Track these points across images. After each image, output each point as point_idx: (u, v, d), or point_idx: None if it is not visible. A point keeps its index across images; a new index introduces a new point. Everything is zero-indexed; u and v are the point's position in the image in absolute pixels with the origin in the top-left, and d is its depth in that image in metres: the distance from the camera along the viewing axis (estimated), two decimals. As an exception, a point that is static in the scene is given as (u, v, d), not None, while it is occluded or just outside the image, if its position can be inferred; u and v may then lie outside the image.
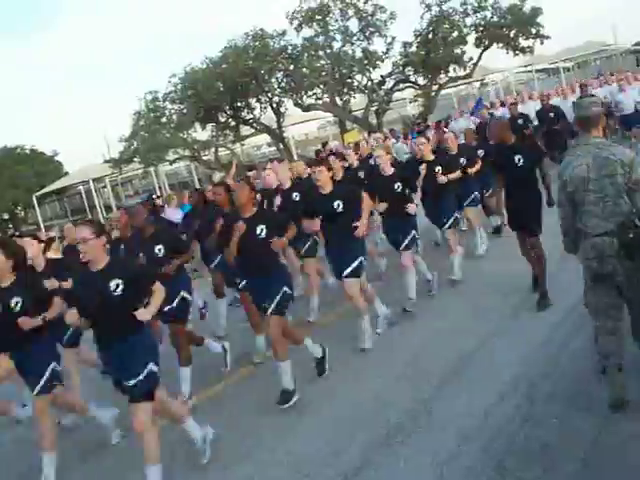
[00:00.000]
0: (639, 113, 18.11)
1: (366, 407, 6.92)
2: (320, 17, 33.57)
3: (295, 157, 34.43)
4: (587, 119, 5.57)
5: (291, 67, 33.85)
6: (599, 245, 5.40)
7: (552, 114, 18.43)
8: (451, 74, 35.31)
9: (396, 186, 9.71)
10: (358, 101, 38.75)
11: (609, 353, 5.61)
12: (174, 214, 16.68)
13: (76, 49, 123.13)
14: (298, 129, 51.47)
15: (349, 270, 8.41)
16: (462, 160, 11.70)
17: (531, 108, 19.96)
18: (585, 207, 5.45)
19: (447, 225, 10.68)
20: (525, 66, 49.64)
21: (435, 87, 36.05)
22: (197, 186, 36.42)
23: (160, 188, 40.57)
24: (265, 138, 45.73)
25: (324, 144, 25.47)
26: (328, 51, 33.96)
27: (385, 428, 6.38)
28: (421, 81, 36.08)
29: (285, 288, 7.54)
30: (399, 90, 37.73)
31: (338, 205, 8.42)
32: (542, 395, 6.17)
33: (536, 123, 18.77)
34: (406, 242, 9.78)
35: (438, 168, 10.65)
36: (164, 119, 33.29)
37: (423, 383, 7.12)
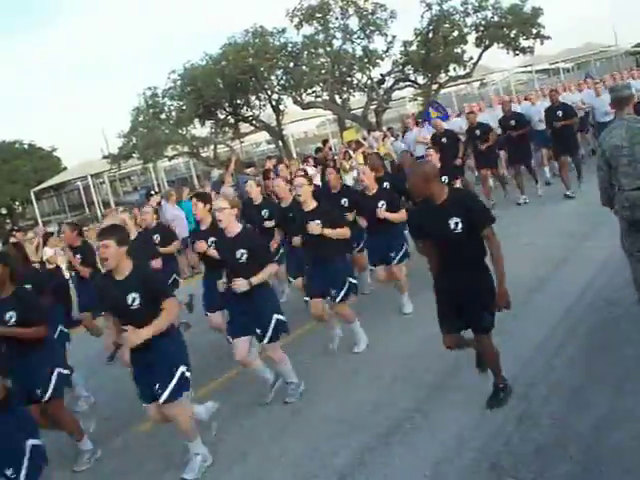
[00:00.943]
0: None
1: (363, 407, 6.92)
2: (320, 15, 33.54)
3: (294, 155, 34.46)
4: (622, 99, 6.93)
5: (291, 65, 33.88)
6: (632, 197, 6.59)
7: (513, 121, 16.38)
8: (451, 73, 35.31)
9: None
10: (357, 99, 38.78)
11: None
12: (173, 210, 16.70)
13: (76, 47, 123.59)
14: (297, 127, 51.56)
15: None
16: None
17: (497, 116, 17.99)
18: (620, 169, 6.63)
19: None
20: (525, 66, 49.68)
21: (435, 86, 36.03)
22: (196, 182, 36.49)
23: (159, 185, 40.60)
24: (264, 136, 45.76)
25: (324, 142, 25.42)
26: (328, 49, 33.92)
27: (382, 428, 6.38)
28: (421, 80, 36.07)
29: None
30: (399, 89, 37.73)
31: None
32: (538, 397, 6.18)
33: (499, 132, 16.96)
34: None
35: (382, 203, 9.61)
36: (163, 115, 33.29)
37: (419, 384, 7.12)
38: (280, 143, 36.65)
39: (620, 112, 6.91)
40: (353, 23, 34.13)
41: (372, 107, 35.71)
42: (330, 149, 24.97)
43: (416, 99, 40.77)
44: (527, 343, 7.31)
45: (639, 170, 6.55)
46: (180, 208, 16.88)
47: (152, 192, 18.44)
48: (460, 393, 6.64)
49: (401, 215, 9.37)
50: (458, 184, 11.94)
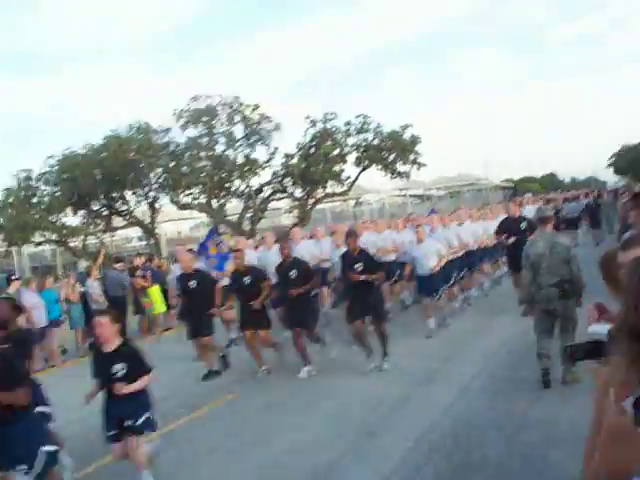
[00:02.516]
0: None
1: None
2: (207, 119, 33.95)
3: (164, 254, 34.14)
4: (544, 218, 9.10)
5: (172, 164, 33.86)
6: (548, 293, 8.65)
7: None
8: (328, 190, 36.08)
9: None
10: (234, 205, 38.99)
11: (542, 351, 8.72)
12: (31, 298, 16.08)
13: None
14: (171, 226, 51.30)
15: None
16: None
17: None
18: (541, 270, 8.69)
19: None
20: (400, 189, 51.34)
21: (311, 201, 36.65)
22: (60, 271, 35.50)
23: (22, 269, 39.22)
24: (136, 231, 45.24)
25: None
26: (210, 153, 34.25)
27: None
28: (298, 193, 36.63)
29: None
30: (276, 199, 38.18)
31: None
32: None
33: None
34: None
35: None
36: (35, 199, 32.50)
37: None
38: (152, 240, 36.29)
39: (543, 228, 9.06)
40: (238, 130, 34.73)
41: (248, 215, 35.98)
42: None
43: (291, 211, 41.37)
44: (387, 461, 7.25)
45: (553, 272, 8.63)
46: (40, 296, 16.29)
47: (13, 277, 17.74)
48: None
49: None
50: None
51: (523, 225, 14.37)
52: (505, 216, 16.13)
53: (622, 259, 2.99)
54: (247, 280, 11.42)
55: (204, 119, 34.01)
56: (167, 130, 34.25)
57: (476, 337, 11.93)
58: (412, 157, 34.98)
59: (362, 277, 10.42)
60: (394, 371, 10.36)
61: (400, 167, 35.48)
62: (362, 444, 7.48)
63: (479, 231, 17.09)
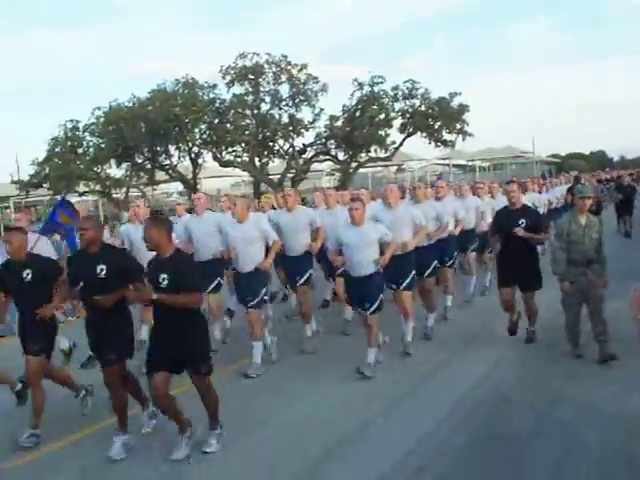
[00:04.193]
0: None
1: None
2: (253, 77, 33.88)
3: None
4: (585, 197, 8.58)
5: (216, 121, 33.92)
6: (577, 272, 8.47)
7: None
8: (372, 154, 35.95)
9: None
10: (276, 165, 39.01)
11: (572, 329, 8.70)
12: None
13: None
14: (212, 183, 51.41)
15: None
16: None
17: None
18: (572, 248, 8.49)
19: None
20: (444, 158, 50.84)
21: (354, 164, 36.54)
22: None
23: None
24: (177, 186, 45.49)
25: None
26: (255, 111, 34.23)
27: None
28: (341, 156, 36.58)
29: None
30: (318, 161, 38.16)
31: None
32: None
33: None
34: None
35: None
36: (80, 150, 32.85)
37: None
38: (192, 196, 36.42)
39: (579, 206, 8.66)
40: (284, 90, 34.68)
41: (289, 175, 35.97)
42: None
43: (333, 174, 41.24)
44: (414, 431, 7.22)
45: (584, 251, 8.45)
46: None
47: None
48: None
49: None
50: None
51: (522, 223, 9.26)
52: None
53: None
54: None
55: (250, 77, 33.96)
56: (213, 86, 34.38)
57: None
58: (459, 126, 34.69)
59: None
60: (429, 340, 10.27)
61: (446, 135, 35.26)
62: (394, 409, 7.46)
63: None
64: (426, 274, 10.16)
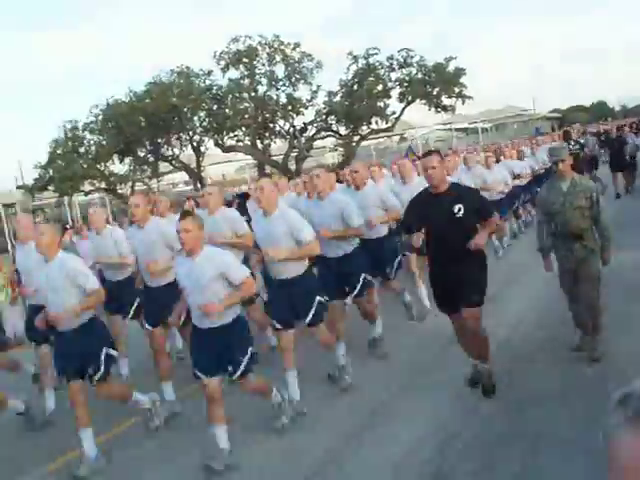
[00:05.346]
0: None
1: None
2: (247, 60, 33.79)
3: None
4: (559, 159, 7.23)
5: (214, 107, 33.91)
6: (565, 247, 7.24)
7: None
8: (373, 126, 35.91)
9: None
10: (279, 146, 38.99)
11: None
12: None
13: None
14: (216, 169, 51.45)
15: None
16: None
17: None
18: (557, 220, 7.22)
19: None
20: (445, 124, 50.74)
21: (356, 138, 36.49)
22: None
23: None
24: (182, 176, 45.52)
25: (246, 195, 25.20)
26: (253, 94, 34.16)
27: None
28: (343, 131, 36.52)
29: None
30: (320, 138, 38.11)
31: None
32: (453, 452, 6.11)
33: None
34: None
35: None
36: (82, 149, 32.93)
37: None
38: (199, 185, 36.52)
39: (558, 169, 7.32)
40: (279, 70, 34.60)
41: (293, 155, 35.97)
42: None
43: (337, 149, 41.17)
44: (444, 397, 7.25)
45: (571, 222, 7.17)
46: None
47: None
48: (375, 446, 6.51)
49: None
50: None
51: (459, 209, 6.40)
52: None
53: None
54: None
55: (244, 60, 33.87)
56: (208, 73, 34.34)
57: (530, 270, 11.67)
58: (457, 90, 34.56)
59: None
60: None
61: (445, 100, 35.17)
62: (417, 381, 7.50)
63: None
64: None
